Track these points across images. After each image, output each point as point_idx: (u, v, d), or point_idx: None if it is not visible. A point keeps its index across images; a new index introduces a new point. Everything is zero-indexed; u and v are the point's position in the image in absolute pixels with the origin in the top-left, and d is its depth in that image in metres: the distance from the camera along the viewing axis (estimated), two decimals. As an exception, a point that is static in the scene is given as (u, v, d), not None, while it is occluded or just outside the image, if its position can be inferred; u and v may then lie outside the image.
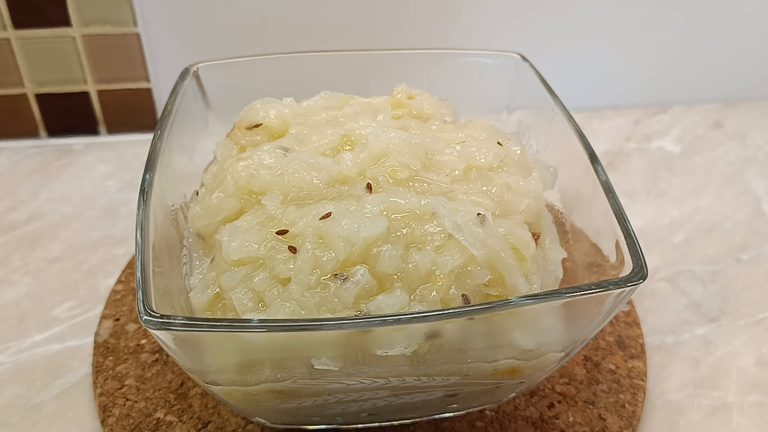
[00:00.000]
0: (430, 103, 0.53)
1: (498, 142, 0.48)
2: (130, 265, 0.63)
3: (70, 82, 0.79)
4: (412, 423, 0.49)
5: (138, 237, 0.39)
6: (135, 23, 0.75)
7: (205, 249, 0.46)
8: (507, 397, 0.49)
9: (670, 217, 0.72)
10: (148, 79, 0.80)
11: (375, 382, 0.39)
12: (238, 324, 0.34)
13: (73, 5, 0.73)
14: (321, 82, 0.56)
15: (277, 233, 0.40)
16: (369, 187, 0.42)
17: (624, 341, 0.56)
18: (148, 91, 0.80)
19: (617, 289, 0.37)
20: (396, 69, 0.58)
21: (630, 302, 0.60)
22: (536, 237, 0.44)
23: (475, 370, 0.40)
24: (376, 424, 0.49)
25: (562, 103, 0.51)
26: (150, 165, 0.43)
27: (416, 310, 0.38)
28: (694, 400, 0.53)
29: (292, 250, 0.39)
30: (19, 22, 0.74)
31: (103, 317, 0.57)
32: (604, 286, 0.37)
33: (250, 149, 0.47)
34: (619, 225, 0.41)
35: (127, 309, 0.58)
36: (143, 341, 0.55)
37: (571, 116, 0.49)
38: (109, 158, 0.79)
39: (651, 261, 0.65)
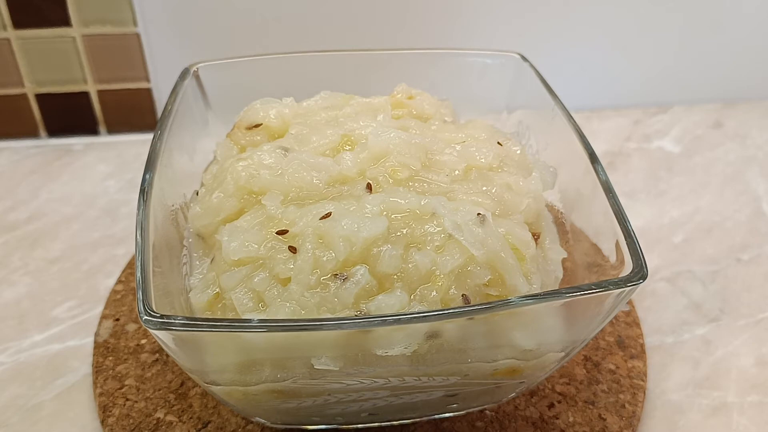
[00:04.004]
0: (430, 103, 0.53)
1: (498, 142, 0.48)
2: (130, 265, 0.63)
3: (70, 82, 0.79)
4: (412, 423, 0.49)
5: (138, 237, 0.39)
6: (135, 23, 0.75)
7: (205, 249, 0.46)
8: (507, 397, 0.49)
9: (670, 217, 0.72)
10: (148, 79, 0.80)
11: (375, 382, 0.39)
12: (238, 324, 0.34)
13: (73, 5, 0.73)
14: (321, 82, 0.56)
15: (277, 233, 0.40)
16: (369, 187, 0.42)
17: (624, 341, 0.56)
18: (148, 91, 0.80)
19: (617, 289, 0.37)
20: (396, 69, 0.58)
21: (630, 302, 0.60)
22: (536, 237, 0.44)
23: (475, 370, 0.40)
24: (376, 424, 0.49)
25: (562, 103, 0.51)
26: (150, 165, 0.43)
27: (416, 310, 0.38)
28: (694, 400, 0.53)
29: (292, 250, 0.39)
30: (19, 22, 0.74)
31: (103, 317, 0.57)
32: (604, 286, 0.37)
33: (250, 149, 0.47)
34: (619, 225, 0.41)
35: (127, 309, 0.58)
36: (143, 341, 0.55)
37: (571, 116, 0.49)
38: (109, 158, 0.79)
39: (651, 261, 0.65)
